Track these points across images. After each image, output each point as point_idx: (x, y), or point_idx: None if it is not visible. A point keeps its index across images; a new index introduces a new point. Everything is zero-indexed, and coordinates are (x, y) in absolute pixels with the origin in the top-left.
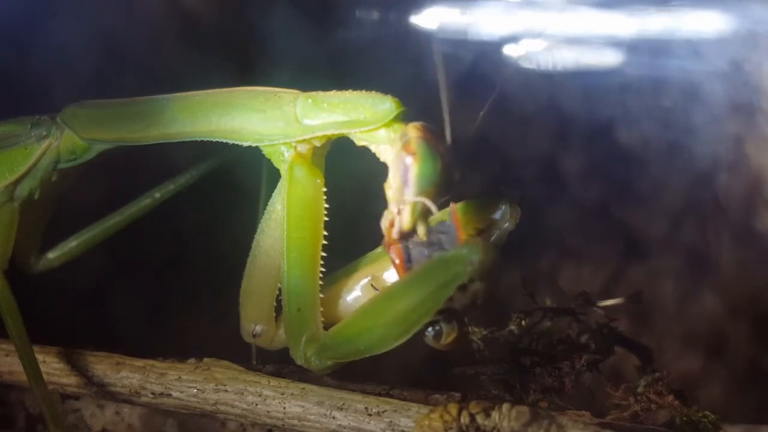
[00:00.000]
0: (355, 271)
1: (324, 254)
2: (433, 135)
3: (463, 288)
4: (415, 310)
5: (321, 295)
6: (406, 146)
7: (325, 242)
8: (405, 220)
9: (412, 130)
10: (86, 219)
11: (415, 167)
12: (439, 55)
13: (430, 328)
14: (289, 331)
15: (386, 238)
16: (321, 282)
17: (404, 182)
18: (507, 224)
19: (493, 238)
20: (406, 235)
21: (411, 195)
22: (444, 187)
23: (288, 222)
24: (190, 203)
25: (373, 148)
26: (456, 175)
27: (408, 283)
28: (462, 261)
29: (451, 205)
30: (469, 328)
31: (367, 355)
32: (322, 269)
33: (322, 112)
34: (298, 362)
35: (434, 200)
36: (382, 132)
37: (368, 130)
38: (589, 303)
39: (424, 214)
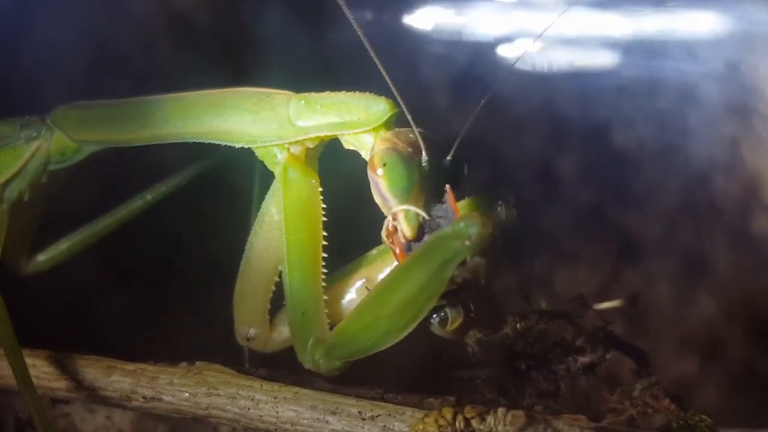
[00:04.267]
0: (356, 271)
1: (325, 255)
2: (404, 141)
3: (464, 264)
4: (419, 295)
5: (325, 297)
6: (370, 164)
7: (325, 243)
8: (405, 229)
9: (378, 143)
10: (77, 221)
11: (384, 181)
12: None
13: (435, 315)
14: (295, 335)
15: (387, 229)
16: (324, 283)
17: (383, 197)
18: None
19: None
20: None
21: (396, 205)
22: (432, 185)
23: (286, 225)
24: (182, 205)
25: (363, 154)
26: (452, 170)
27: (408, 268)
28: (460, 236)
29: (446, 188)
30: (473, 314)
31: (376, 350)
32: (324, 270)
33: (316, 114)
34: (306, 366)
35: (423, 202)
36: (369, 138)
37: (362, 131)
38: (585, 306)
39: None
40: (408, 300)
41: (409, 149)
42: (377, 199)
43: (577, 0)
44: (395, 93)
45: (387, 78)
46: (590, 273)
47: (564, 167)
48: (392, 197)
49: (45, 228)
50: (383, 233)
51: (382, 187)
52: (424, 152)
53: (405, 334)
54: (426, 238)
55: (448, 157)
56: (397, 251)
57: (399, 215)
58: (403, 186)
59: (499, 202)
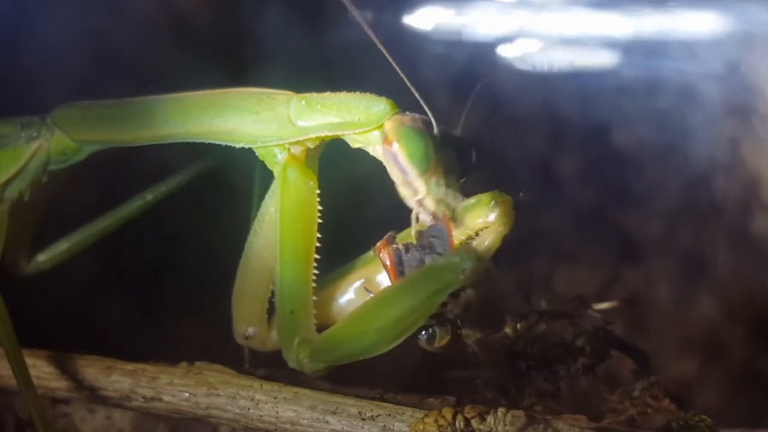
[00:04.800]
0: (348, 274)
1: (317, 256)
2: (411, 118)
3: (455, 295)
4: (408, 316)
5: (314, 298)
6: (386, 140)
7: (318, 244)
8: (429, 204)
9: (388, 124)
10: (77, 221)
11: (402, 150)
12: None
13: (423, 332)
14: (281, 333)
15: (380, 242)
16: (314, 284)
17: (403, 171)
18: (501, 227)
19: (487, 241)
20: (392, 239)
21: (417, 178)
22: (448, 162)
23: (281, 224)
24: (182, 205)
25: (370, 150)
26: (464, 153)
27: (400, 290)
28: (454, 269)
29: (443, 210)
30: (462, 332)
31: (360, 359)
32: (316, 271)
33: (316, 114)
34: (291, 365)
35: (445, 176)
36: (376, 134)
37: (362, 131)
38: (585, 306)
39: (448, 193)
40: (398, 318)
41: (420, 124)
42: (397, 179)
43: (577, 0)
44: (402, 75)
45: (390, 58)
46: (590, 273)
47: (564, 167)
48: (412, 168)
49: (45, 228)
50: (374, 248)
51: (401, 158)
52: (435, 128)
53: (391, 347)
54: (409, 256)
55: (456, 133)
56: (388, 265)
57: (422, 190)
58: (422, 154)
59: (497, 207)
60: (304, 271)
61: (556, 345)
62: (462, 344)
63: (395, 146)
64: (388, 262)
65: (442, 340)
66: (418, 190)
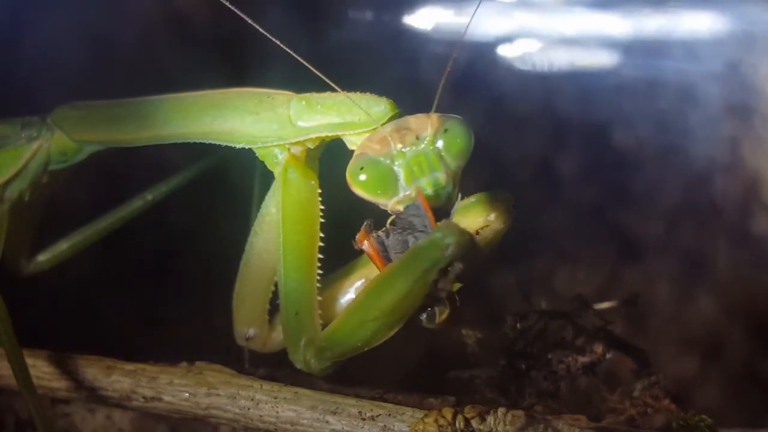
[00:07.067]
0: (352, 273)
1: (321, 256)
2: (367, 144)
3: (444, 271)
4: (403, 300)
5: (319, 298)
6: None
7: (321, 244)
8: (400, 207)
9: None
10: (77, 221)
11: (364, 194)
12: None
13: (423, 313)
14: (287, 334)
15: (359, 233)
16: (318, 284)
17: (376, 204)
18: (501, 226)
19: (487, 239)
20: (370, 227)
21: (386, 205)
22: (423, 161)
23: (283, 225)
24: (183, 205)
25: None
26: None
27: (390, 276)
28: (438, 246)
29: (416, 188)
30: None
31: (366, 349)
32: (320, 271)
33: (316, 114)
34: (298, 366)
35: (414, 175)
36: None
37: (363, 132)
38: (585, 306)
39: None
40: (393, 304)
41: (376, 146)
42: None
43: (577, 0)
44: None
45: None
46: (590, 273)
47: (564, 167)
48: (380, 202)
49: (45, 228)
50: (355, 240)
51: (368, 199)
52: (399, 140)
53: (393, 333)
54: (392, 240)
55: (429, 131)
56: (372, 253)
57: (391, 204)
58: (379, 190)
59: (496, 206)
60: (307, 272)
61: (555, 345)
62: (462, 344)
63: (357, 191)
64: (371, 252)
65: (442, 315)
66: (392, 209)
